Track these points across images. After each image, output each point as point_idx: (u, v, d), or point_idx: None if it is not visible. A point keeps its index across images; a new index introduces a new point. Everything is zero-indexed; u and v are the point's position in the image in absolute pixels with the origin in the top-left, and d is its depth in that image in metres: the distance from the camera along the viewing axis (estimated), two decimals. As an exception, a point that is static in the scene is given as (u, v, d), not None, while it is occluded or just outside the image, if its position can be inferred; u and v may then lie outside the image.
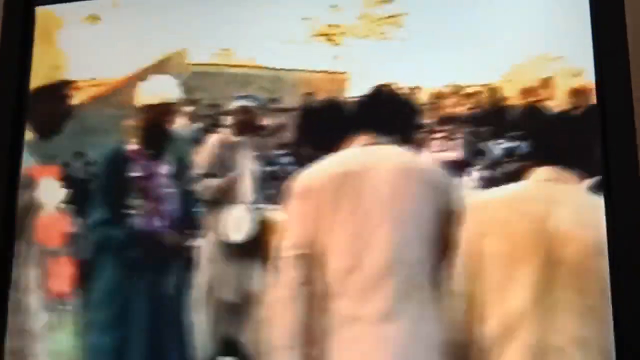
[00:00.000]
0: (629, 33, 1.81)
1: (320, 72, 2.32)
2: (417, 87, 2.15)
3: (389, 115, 2.11)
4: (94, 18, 2.48)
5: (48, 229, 2.24)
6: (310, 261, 1.93)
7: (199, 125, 2.38)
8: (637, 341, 1.67)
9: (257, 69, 2.38)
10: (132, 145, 2.37)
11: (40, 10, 2.50)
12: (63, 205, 2.25)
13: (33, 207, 2.22)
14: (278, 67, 2.37)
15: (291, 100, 2.33)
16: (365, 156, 2.01)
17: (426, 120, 2.13)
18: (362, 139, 2.05)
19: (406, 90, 2.16)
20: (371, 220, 1.90)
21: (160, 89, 2.35)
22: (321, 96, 2.31)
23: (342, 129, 2.14)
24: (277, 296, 1.97)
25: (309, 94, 2.31)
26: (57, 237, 2.25)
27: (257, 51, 2.39)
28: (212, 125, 2.40)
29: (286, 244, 1.98)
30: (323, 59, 2.31)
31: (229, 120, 2.39)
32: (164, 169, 2.34)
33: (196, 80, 2.37)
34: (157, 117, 2.37)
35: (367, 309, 1.87)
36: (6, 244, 2.28)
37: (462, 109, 2.10)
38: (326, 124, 2.26)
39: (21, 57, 2.42)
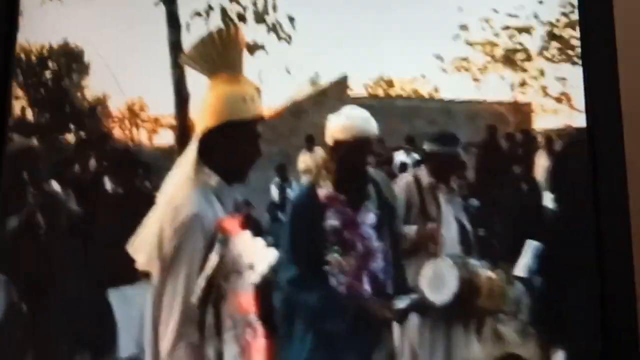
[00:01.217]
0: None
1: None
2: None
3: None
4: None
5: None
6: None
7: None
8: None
9: (423, 99, 2.08)
10: (325, 190, 1.91)
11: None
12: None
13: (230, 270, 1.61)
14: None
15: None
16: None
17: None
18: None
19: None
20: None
21: (355, 122, 1.92)
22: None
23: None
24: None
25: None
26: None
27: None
28: (384, 163, 2.01)
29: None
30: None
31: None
32: (369, 218, 1.90)
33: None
34: (355, 155, 1.92)
35: None
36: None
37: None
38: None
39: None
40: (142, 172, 2.08)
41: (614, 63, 1.70)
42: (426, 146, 2.04)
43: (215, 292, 1.59)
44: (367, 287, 1.86)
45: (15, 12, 1.89)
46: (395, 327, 1.88)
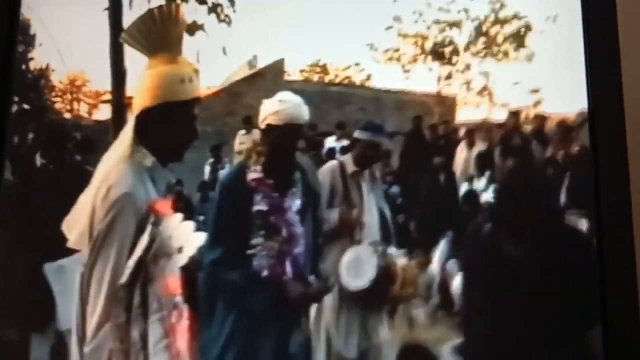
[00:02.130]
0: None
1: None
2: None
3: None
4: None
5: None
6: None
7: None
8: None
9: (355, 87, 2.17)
10: (254, 173, 1.97)
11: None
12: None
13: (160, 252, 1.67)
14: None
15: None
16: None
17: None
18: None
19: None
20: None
21: (287, 108, 2.00)
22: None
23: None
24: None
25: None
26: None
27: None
28: (315, 149, 2.09)
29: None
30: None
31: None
32: (295, 204, 1.99)
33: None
34: (285, 141, 2.00)
35: None
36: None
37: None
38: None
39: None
40: (74, 148, 2.10)
41: (617, 57, 1.76)
42: (355, 134, 2.13)
43: (144, 274, 1.65)
44: (288, 270, 1.94)
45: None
46: (312, 311, 1.98)
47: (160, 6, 1.78)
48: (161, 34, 1.78)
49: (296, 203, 2.00)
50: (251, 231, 1.95)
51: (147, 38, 1.79)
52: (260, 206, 1.96)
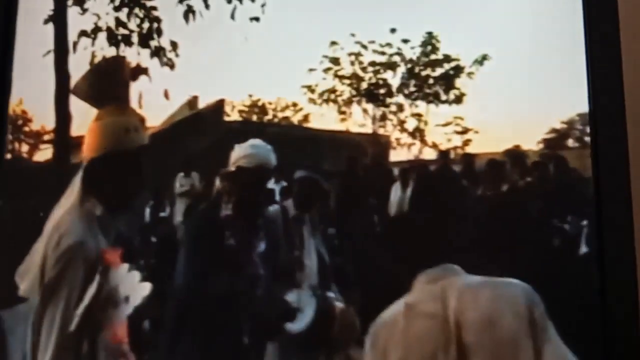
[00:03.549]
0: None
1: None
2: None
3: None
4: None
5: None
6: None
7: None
8: None
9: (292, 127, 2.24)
10: (226, 211, 2.07)
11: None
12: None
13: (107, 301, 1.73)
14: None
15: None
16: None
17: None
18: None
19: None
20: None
21: (260, 153, 2.12)
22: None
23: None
24: None
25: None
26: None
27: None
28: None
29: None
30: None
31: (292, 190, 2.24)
32: (261, 246, 2.07)
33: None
34: (255, 181, 2.13)
35: None
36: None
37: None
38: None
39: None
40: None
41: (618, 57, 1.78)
42: (295, 174, 2.22)
43: (92, 322, 1.70)
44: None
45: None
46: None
47: (106, 58, 1.83)
48: (108, 86, 1.83)
49: (261, 245, 2.10)
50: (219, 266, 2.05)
51: (95, 92, 1.83)
52: (230, 241, 2.06)
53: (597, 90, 1.80)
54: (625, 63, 1.77)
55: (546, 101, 1.99)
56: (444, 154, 2.17)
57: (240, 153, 2.14)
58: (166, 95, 2.16)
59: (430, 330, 1.70)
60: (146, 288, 1.75)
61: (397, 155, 2.28)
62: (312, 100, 2.27)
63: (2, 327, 2.00)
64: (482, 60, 2.13)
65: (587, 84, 1.83)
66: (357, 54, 2.27)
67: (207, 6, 2.21)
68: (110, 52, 2.19)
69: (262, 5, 2.20)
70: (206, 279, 2.03)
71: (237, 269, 2.06)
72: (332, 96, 2.29)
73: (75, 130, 2.14)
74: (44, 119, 2.21)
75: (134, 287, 1.74)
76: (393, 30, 2.21)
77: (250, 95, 2.28)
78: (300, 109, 2.31)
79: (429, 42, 2.22)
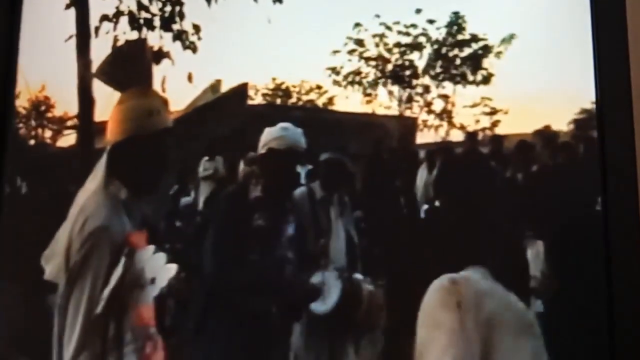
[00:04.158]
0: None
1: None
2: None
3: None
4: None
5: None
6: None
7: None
8: None
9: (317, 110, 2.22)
10: (255, 192, 2.11)
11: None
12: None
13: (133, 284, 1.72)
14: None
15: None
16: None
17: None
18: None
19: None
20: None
21: (291, 135, 2.12)
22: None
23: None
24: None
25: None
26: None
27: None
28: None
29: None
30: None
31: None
32: (290, 228, 2.10)
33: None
34: (286, 163, 2.14)
35: None
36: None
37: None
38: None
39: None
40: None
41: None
42: (321, 157, 2.20)
43: (118, 305, 1.69)
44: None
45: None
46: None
47: (128, 41, 1.82)
48: (131, 69, 1.82)
49: (290, 227, 2.11)
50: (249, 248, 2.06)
51: (118, 74, 1.82)
52: (259, 222, 2.06)
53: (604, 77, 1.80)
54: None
55: (576, 80, 1.95)
56: (471, 136, 2.14)
57: (271, 135, 2.13)
58: (189, 78, 2.14)
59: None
60: (172, 269, 1.75)
61: (423, 137, 2.25)
62: (336, 83, 2.25)
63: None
64: (509, 39, 2.09)
65: (594, 73, 1.86)
66: (382, 35, 2.24)
67: (229, -12, 2.19)
68: (132, 36, 2.17)
69: (285, -14, 2.18)
70: (234, 261, 2.02)
71: (265, 251, 2.05)
72: (357, 78, 2.26)
73: (98, 115, 2.12)
74: (67, 104, 2.19)
75: (160, 269, 1.73)
76: (418, 11, 2.18)
77: (274, 79, 2.25)
78: (325, 92, 2.28)
79: (455, 22, 2.19)
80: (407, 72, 2.26)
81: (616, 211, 1.76)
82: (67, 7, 2.18)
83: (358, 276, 2.06)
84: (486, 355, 1.65)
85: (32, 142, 2.19)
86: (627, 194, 1.75)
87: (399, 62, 2.26)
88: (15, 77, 2.07)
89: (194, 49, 2.21)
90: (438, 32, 2.21)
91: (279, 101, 2.28)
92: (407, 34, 2.23)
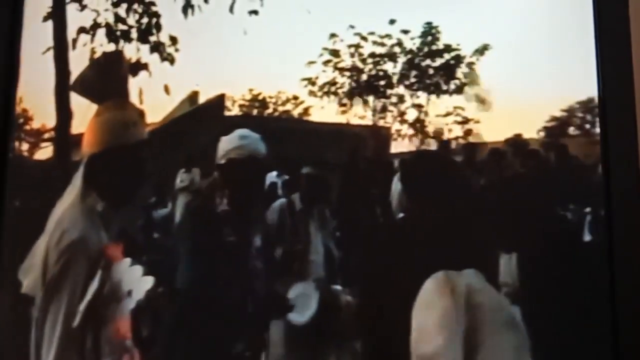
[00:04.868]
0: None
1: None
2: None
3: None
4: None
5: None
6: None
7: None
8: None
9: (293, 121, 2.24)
10: (222, 206, 2.07)
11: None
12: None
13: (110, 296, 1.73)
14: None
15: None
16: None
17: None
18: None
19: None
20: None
21: (250, 143, 2.11)
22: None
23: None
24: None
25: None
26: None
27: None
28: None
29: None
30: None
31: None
32: (257, 239, 2.07)
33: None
34: (249, 173, 2.11)
35: None
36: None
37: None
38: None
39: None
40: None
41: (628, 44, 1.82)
42: (302, 170, 2.21)
43: (95, 318, 1.70)
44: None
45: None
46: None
47: (105, 53, 1.83)
48: (108, 81, 1.83)
49: (257, 239, 2.09)
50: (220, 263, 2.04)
51: (95, 87, 1.83)
52: (230, 238, 2.05)
53: (606, 76, 1.82)
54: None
55: (547, 89, 1.99)
56: (444, 144, 2.16)
57: (230, 145, 2.12)
58: (167, 90, 2.15)
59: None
60: (149, 282, 1.76)
61: (398, 146, 2.27)
62: (312, 93, 2.26)
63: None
64: (482, 50, 2.12)
65: (597, 69, 1.87)
66: (357, 46, 2.26)
67: (206, 0, 2.21)
68: (110, 48, 2.18)
69: (261, -2, 2.20)
70: (207, 276, 2.02)
71: (236, 265, 2.05)
72: (333, 88, 2.28)
73: (75, 128, 2.13)
74: (44, 117, 2.20)
75: (137, 281, 1.74)
76: (392, 22, 2.19)
77: (251, 90, 2.26)
78: (301, 102, 2.29)
79: (429, 32, 2.21)
80: (382, 82, 2.28)
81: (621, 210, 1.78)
82: (45, 19, 2.19)
83: (336, 287, 2.07)
84: (470, 344, 1.69)
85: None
86: (629, 193, 1.78)
87: (373, 72, 2.28)
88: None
89: (171, 60, 2.23)
90: (412, 42, 2.22)
91: (255, 112, 2.29)
92: (382, 44, 2.25)
